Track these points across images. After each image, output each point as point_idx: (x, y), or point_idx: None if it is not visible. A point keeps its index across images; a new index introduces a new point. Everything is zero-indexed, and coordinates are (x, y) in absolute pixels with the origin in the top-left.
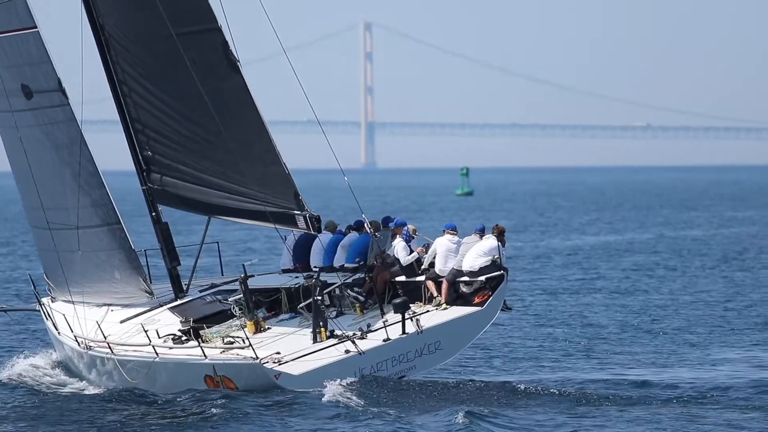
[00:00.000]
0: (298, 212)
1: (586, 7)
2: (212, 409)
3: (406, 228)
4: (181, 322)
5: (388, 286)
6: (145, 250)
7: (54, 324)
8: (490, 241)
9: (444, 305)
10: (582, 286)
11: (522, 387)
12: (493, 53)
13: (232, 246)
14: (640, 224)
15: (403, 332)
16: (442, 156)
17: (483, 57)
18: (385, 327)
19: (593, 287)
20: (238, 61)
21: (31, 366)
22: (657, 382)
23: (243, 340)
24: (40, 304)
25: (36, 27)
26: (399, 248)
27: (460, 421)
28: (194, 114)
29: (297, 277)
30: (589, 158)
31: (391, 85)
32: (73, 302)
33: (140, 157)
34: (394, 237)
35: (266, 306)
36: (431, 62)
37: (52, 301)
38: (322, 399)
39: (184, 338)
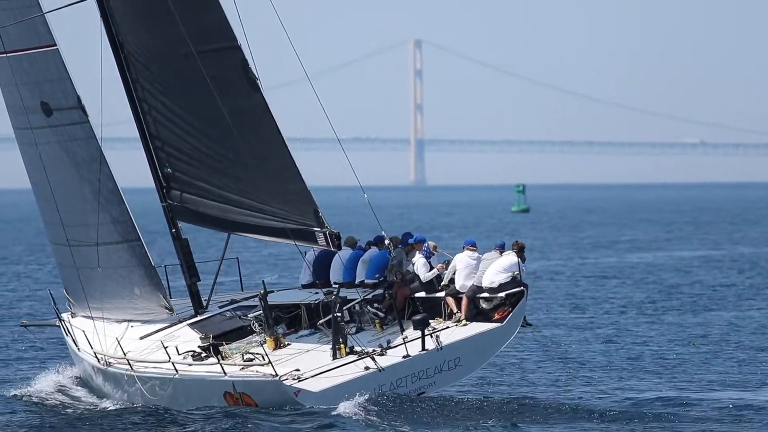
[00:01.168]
0: (318, 229)
1: (637, 24)
2: (232, 427)
3: (426, 244)
4: (200, 338)
5: (407, 302)
6: (165, 266)
7: (74, 340)
8: (510, 257)
9: (464, 321)
10: (631, 304)
11: (546, 404)
12: (542, 70)
13: (252, 262)
14: (710, 241)
15: (423, 349)
16: (491, 173)
17: (533, 74)
18: (404, 343)
19: (649, 305)
20: (258, 79)
21: (51, 382)
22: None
23: (262, 357)
24: (60, 320)
25: (55, 45)
26: (419, 264)
27: None
28: (214, 131)
29: (317, 293)
30: (641, 175)
31: (441, 102)
32: (92, 318)
33: (160, 174)
34: (409, 252)
35: (286, 322)
36: (480, 79)
37: (72, 317)
38: (342, 416)
39: (203, 355)
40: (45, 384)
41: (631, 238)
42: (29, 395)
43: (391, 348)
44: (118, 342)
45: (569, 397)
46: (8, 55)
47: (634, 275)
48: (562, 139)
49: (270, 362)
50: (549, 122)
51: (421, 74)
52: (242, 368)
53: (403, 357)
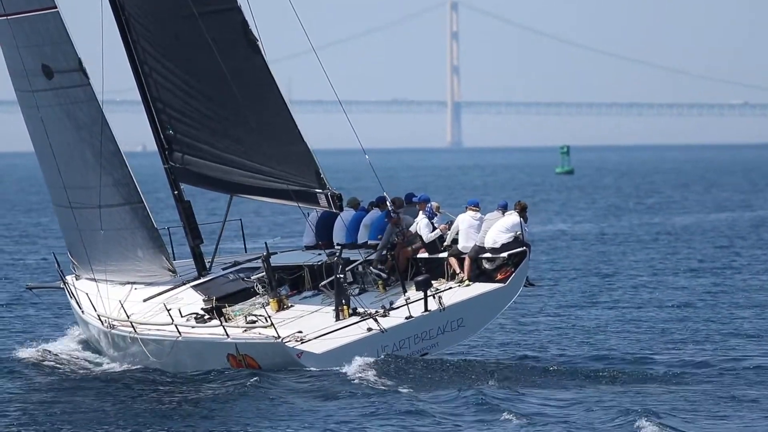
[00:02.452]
0: (320, 190)
1: None
2: (234, 388)
3: (429, 205)
4: (203, 300)
5: (410, 263)
6: (168, 228)
7: (78, 303)
8: (513, 217)
9: (466, 282)
10: (655, 270)
11: (549, 366)
12: (581, 31)
13: (254, 223)
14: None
15: (426, 309)
16: (527, 135)
17: (571, 35)
18: (407, 304)
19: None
20: (258, 40)
21: (55, 344)
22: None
23: (265, 319)
24: (64, 283)
25: (56, 7)
26: (422, 225)
27: (484, 398)
28: (215, 93)
29: (320, 255)
30: (684, 136)
31: (477, 64)
32: (96, 280)
33: (162, 136)
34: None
35: (289, 284)
36: (517, 41)
37: (77, 279)
38: (345, 377)
39: (206, 317)
40: (49, 346)
41: (682, 201)
42: (34, 358)
43: (393, 309)
44: (122, 304)
45: (575, 358)
46: (9, 17)
47: (683, 237)
48: (601, 100)
49: (273, 324)
50: (588, 84)
51: (457, 36)
52: (245, 330)
53: (406, 318)
